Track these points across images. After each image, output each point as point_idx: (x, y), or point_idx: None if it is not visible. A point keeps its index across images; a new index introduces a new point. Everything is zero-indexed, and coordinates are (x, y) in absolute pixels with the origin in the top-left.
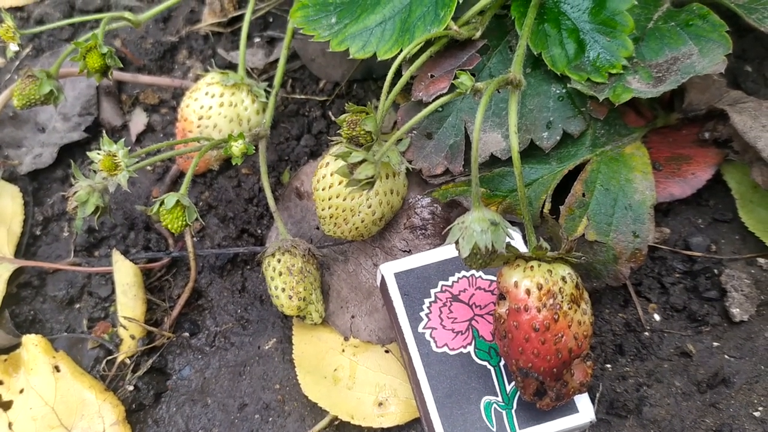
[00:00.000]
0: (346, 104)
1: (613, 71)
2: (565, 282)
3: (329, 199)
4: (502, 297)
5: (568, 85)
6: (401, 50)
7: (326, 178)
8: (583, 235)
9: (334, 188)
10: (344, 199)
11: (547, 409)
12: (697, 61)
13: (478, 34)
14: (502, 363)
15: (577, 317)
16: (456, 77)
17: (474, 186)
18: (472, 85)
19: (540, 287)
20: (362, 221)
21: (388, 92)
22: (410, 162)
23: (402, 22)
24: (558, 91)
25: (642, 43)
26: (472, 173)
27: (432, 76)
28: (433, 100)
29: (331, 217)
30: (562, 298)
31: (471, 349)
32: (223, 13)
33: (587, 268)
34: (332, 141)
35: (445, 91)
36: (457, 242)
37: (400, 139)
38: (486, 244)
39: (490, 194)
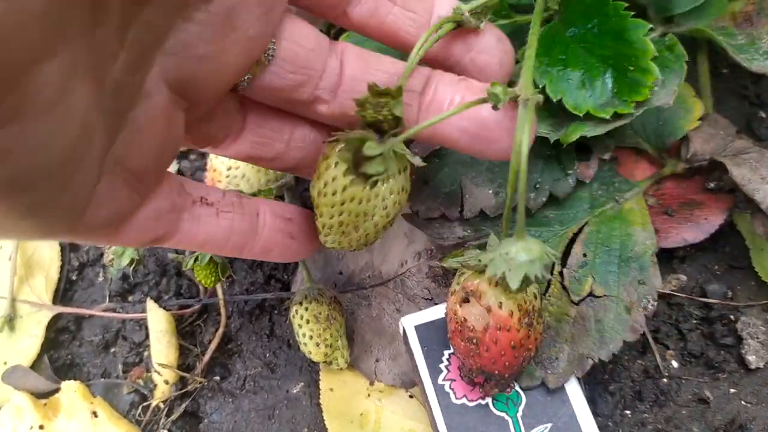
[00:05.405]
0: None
1: (640, 99)
2: (536, 298)
3: (341, 204)
4: (466, 300)
5: (545, 136)
6: None
7: (337, 180)
8: (591, 292)
9: (348, 191)
10: (360, 202)
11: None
12: (657, 94)
13: None
14: (519, 414)
15: (540, 329)
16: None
17: (519, 215)
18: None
19: (520, 308)
20: (374, 226)
21: None
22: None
23: None
24: (547, 152)
25: None
26: (519, 200)
27: None
28: None
29: (340, 225)
30: (533, 314)
31: (489, 400)
32: None
33: (601, 333)
34: (334, 136)
35: None
36: (501, 274)
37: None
38: (536, 274)
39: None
